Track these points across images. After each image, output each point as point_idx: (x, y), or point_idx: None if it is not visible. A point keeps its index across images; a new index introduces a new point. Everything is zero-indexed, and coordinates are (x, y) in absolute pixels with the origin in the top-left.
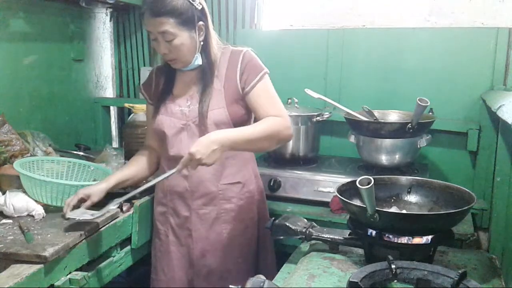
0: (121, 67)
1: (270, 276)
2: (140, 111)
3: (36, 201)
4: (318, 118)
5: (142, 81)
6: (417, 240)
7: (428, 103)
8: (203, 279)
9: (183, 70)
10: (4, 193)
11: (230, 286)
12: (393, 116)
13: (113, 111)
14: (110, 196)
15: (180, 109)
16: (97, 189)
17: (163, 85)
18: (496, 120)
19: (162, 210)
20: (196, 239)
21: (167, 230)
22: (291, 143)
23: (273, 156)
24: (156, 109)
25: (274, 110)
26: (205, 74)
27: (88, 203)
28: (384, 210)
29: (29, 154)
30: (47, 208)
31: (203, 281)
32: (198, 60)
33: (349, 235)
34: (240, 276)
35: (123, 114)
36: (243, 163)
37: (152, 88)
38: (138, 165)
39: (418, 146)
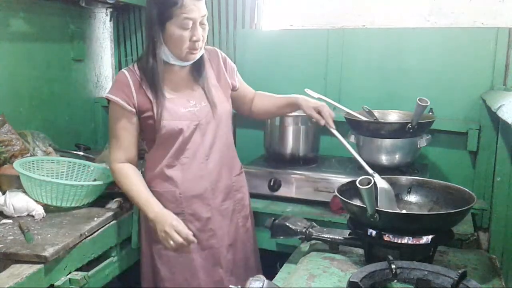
0: (121, 67)
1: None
2: None
3: (36, 201)
4: None
5: None
6: (417, 240)
7: (428, 103)
8: (232, 273)
9: (177, 65)
10: (4, 193)
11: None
12: (393, 116)
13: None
14: (110, 195)
15: (188, 110)
16: (171, 214)
17: (153, 89)
18: (496, 120)
19: None
20: (221, 236)
21: None
22: (291, 143)
23: (273, 156)
24: (161, 114)
25: (251, 88)
26: (202, 69)
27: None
28: (384, 210)
29: (29, 154)
30: (47, 208)
31: (231, 276)
32: (203, 50)
33: (349, 235)
34: (254, 264)
35: None
36: (236, 153)
37: (133, 94)
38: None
39: (418, 146)
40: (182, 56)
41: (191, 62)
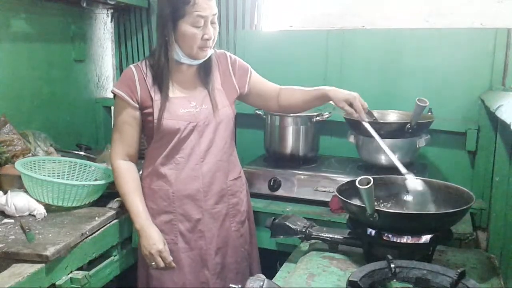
0: (122, 67)
1: (256, 269)
2: None
3: (37, 200)
4: (317, 118)
5: None
6: (416, 240)
7: (427, 103)
8: (218, 276)
9: (185, 65)
10: (5, 193)
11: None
12: (392, 116)
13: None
14: (111, 195)
15: (187, 111)
16: (158, 235)
17: (157, 87)
18: (494, 120)
19: (167, 218)
20: (210, 239)
21: (176, 238)
22: (291, 143)
23: (273, 156)
24: (160, 112)
25: (274, 84)
26: (209, 71)
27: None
28: (383, 209)
29: (30, 154)
30: (48, 207)
31: (217, 279)
32: (212, 50)
33: (348, 234)
34: (247, 270)
35: None
36: (237, 158)
37: (137, 90)
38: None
39: (417, 146)
40: (193, 54)
41: (201, 60)
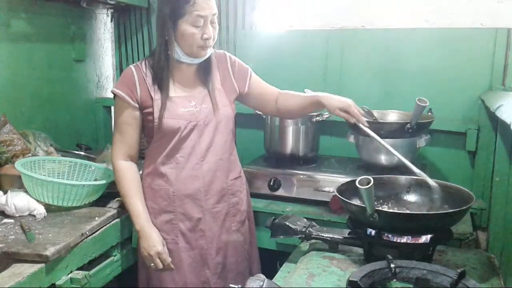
0: (122, 67)
1: (256, 269)
2: None
3: (37, 200)
4: (317, 118)
5: None
6: (416, 240)
7: (427, 103)
8: (219, 276)
9: (185, 64)
10: (5, 193)
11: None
12: (392, 116)
13: (114, 111)
14: (111, 195)
15: (187, 110)
16: (158, 236)
17: (157, 86)
18: (494, 120)
19: (167, 218)
20: (211, 238)
21: (176, 238)
22: (290, 143)
23: (273, 156)
24: (161, 112)
25: (274, 88)
26: (209, 70)
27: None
28: (383, 209)
29: (30, 154)
30: (48, 207)
31: (218, 278)
32: (212, 49)
33: (348, 234)
34: (247, 269)
35: None
36: (237, 157)
37: (137, 90)
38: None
39: (417, 146)
40: (193, 53)
41: (202, 59)
